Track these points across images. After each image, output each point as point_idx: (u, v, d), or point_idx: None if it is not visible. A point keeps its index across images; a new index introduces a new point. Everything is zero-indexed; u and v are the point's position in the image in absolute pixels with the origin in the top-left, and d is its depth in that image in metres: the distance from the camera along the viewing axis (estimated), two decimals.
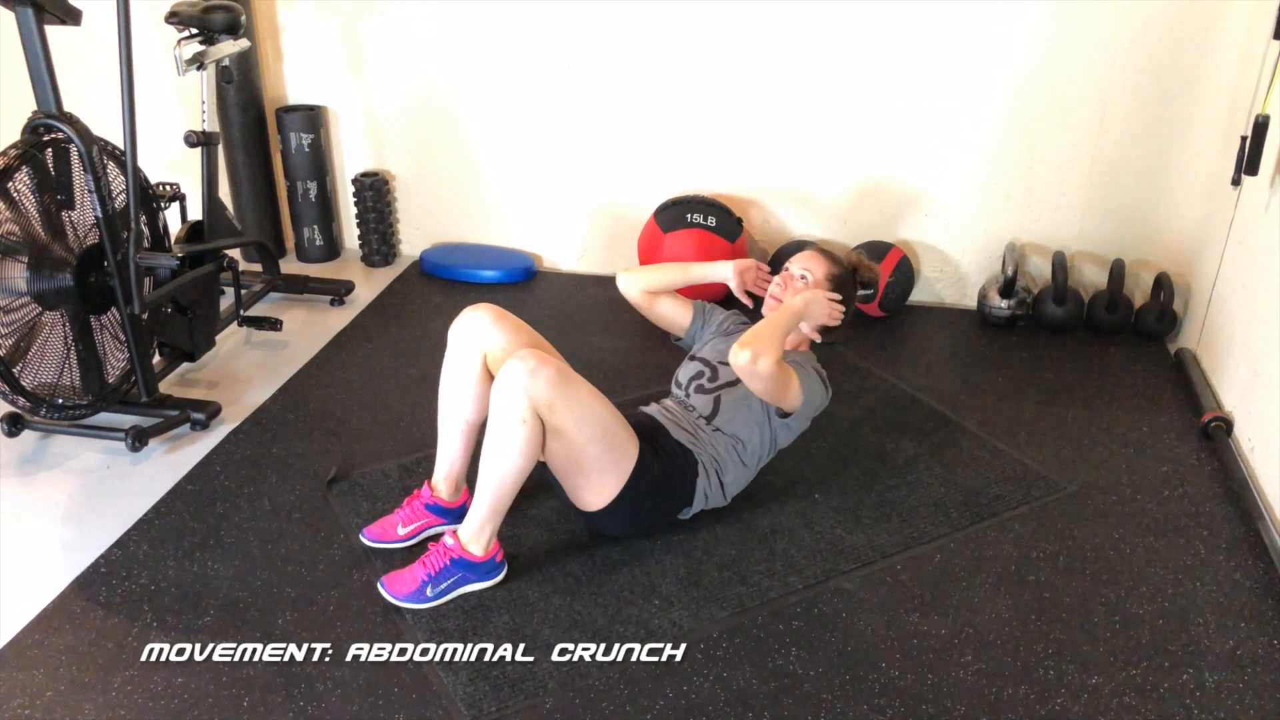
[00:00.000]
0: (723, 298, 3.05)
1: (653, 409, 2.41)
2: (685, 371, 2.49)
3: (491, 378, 2.20)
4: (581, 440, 2.07)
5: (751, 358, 2.11)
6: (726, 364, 2.35)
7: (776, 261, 3.58)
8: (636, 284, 2.57)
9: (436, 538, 2.26)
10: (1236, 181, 2.90)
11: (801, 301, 2.31)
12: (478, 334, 2.23)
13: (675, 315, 2.60)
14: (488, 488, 2.06)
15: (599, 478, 2.14)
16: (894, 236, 3.58)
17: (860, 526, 2.38)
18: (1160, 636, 2.04)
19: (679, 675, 1.94)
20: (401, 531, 2.28)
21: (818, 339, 2.40)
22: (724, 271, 2.52)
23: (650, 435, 2.27)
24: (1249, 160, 2.76)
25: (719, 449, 2.31)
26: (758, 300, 2.54)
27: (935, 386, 3.03)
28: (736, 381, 2.33)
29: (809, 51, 3.37)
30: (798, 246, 3.56)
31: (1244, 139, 2.81)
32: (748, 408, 2.33)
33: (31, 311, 2.50)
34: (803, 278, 2.42)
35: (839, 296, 2.39)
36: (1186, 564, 2.26)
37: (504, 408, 1.99)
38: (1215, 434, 2.73)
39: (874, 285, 2.57)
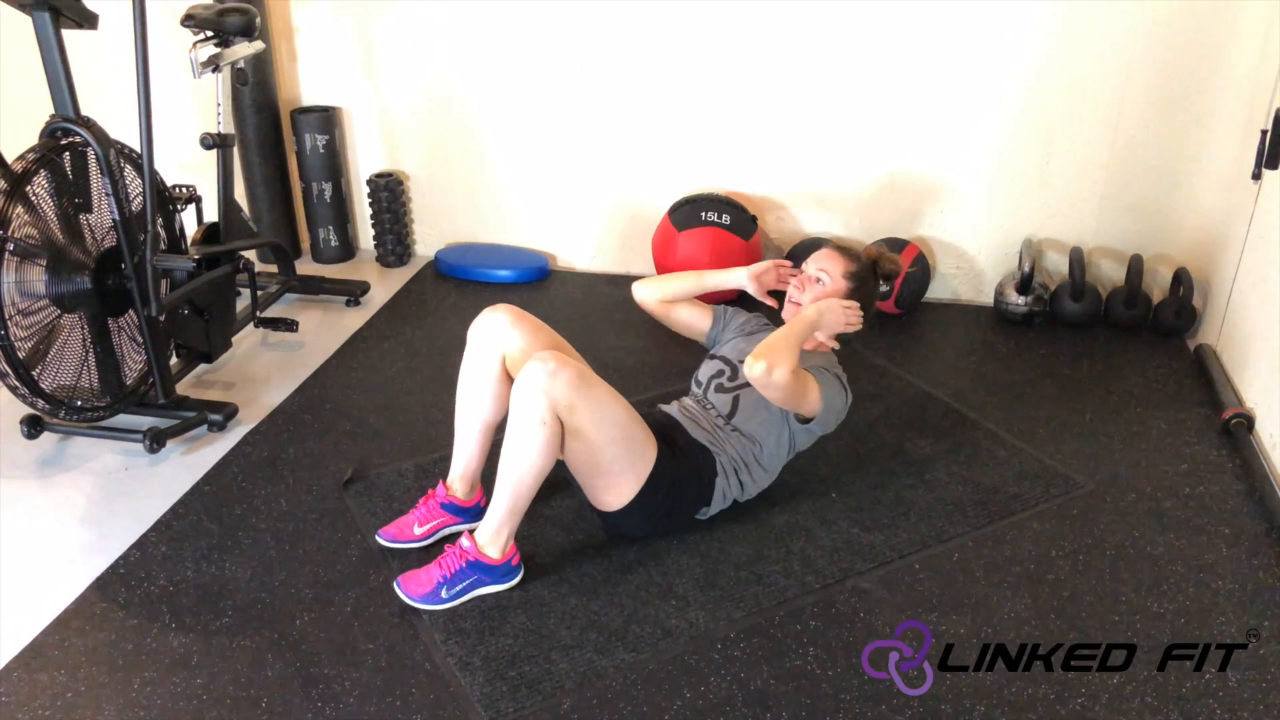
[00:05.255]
0: (737, 299, 3.03)
1: (672, 408, 2.40)
2: (705, 370, 2.47)
3: (510, 378, 2.21)
4: (600, 441, 2.06)
5: (766, 369, 2.09)
6: None
7: (793, 259, 3.56)
8: (653, 293, 2.55)
9: (452, 537, 2.27)
10: (1257, 176, 2.87)
11: (815, 311, 2.28)
12: (497, 334, 2.24)
13: (694, 321, 2.58)
14: (506, 488, 2.06)
15: (617, 478, 2.14)
16: (910, 233, 3.56)
17: (877, 525, 2.36)
18: (1181, 635, 2.02)
19: (696, 676, 1.93)
20: (418, 531, 2.29)
21: (836, 346, 2.39)
22: (739, 278, 2.48)
23: (669, 435, 2.26)
24: (1270, 154, 2.74)
25: (738, 449, 2.30)
26: (783, 297, 2.50)
27: (952, 384, 3.01)
28: None
29: (823, 48, 3.36)
30: (813, 244, 3.55)
31: (1264, 132, 2.78)
32: (766, 409, 2.30)
33: (50, 314, 2.51)
34: (818, 280, 2.39)
35: (855, 304, 2.34)
36: (1207, 562, 2.24)
37: (524, 409, 1.99)
38: (1236, 431, 2.70)
39: (895, 276, 2.52)
